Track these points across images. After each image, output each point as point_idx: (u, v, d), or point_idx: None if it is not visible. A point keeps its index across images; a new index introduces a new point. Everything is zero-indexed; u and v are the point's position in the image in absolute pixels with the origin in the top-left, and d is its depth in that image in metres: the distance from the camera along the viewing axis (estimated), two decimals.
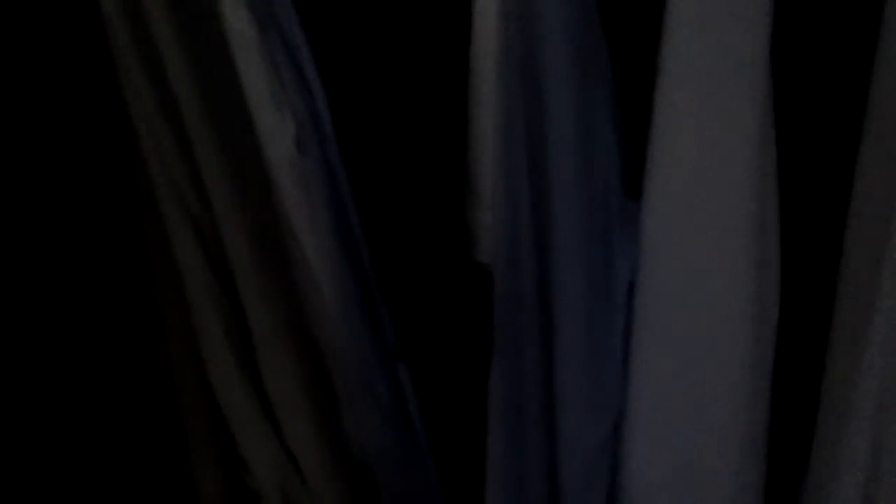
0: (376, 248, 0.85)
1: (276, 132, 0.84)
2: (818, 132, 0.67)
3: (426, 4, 0.77)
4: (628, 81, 0.73)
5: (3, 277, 0.84)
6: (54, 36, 0.79)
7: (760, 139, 0.63)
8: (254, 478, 0.94)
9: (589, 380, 0.78)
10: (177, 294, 0.90)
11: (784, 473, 0.78)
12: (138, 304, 0.90)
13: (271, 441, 0.93)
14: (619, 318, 0.75)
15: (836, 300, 0.68)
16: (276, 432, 0.93)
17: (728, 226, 0.65)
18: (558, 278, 0.74)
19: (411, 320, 0.84)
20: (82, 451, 0.91)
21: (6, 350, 0.86)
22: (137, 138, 0.83)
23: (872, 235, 0.62)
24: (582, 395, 0.78)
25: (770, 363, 0.73)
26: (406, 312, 0.85)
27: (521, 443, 0.82)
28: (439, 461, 0.92)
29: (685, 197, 0.66)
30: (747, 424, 0.76)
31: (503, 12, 0.71)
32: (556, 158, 0.71)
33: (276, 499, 0.94)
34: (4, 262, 0.84)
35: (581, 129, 0.70)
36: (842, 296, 0.67)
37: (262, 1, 0.79)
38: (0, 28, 0.78)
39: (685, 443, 0.77)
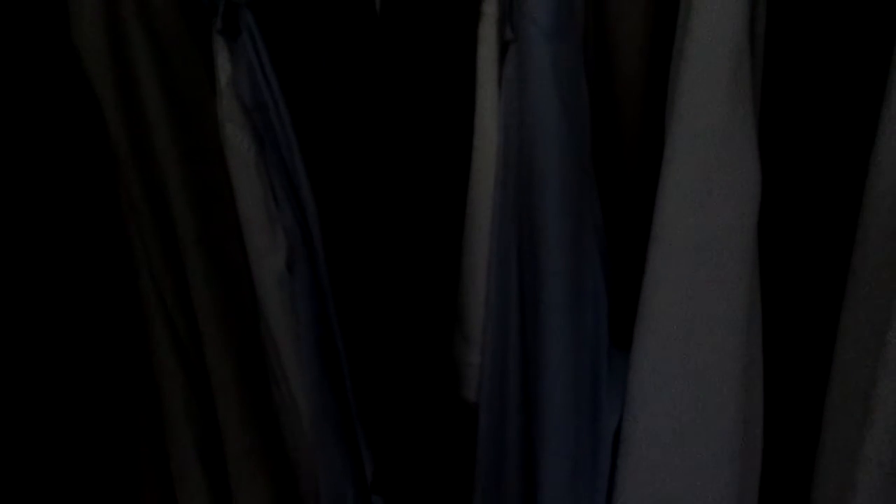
0: (359, 377, 0.84)
1: (268, 250, 0.84)
2: (801, 302, 0.69)
3: (426, 136, 0.78)
4: (619, 232, 0.74)
5: None
6: (56, 148, 0.80)
7: (748, 307, 0.64)
8: None
9: None
10: (152, 407, 0.88)
11: None
12: (112, 413, 0.88)
13: None
14: (603, 468, 0.74)
15: (818, 454, 0.69)
16: None
17: (714, 386, 0.66)
18: (544, 424, 0.73)
19: (391, 453, 0.82)
20: None
21: None
22: (131, 250, 0.83)
23: (852, 406, 0.63)
24: None
25: None
26: (386, 445, 0.83)
27: None
28: None
29: (673, 353, 0.66)
30: None
31: (502, 153, 0.73)
32: (548, 302, 0.71)
33: None
34: None
35: (572, 274, 0.71)
36: (822, 450, 0.67)
37: (262, 122, 0.80)
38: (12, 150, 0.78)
39: None
